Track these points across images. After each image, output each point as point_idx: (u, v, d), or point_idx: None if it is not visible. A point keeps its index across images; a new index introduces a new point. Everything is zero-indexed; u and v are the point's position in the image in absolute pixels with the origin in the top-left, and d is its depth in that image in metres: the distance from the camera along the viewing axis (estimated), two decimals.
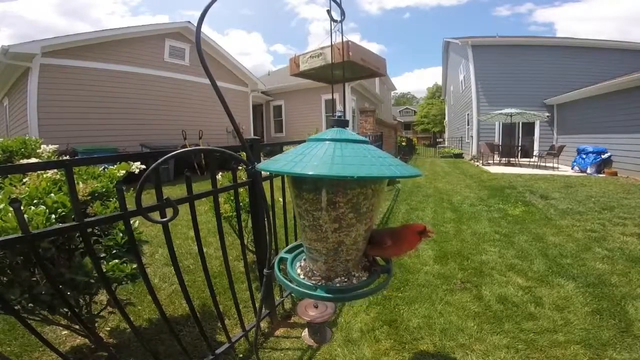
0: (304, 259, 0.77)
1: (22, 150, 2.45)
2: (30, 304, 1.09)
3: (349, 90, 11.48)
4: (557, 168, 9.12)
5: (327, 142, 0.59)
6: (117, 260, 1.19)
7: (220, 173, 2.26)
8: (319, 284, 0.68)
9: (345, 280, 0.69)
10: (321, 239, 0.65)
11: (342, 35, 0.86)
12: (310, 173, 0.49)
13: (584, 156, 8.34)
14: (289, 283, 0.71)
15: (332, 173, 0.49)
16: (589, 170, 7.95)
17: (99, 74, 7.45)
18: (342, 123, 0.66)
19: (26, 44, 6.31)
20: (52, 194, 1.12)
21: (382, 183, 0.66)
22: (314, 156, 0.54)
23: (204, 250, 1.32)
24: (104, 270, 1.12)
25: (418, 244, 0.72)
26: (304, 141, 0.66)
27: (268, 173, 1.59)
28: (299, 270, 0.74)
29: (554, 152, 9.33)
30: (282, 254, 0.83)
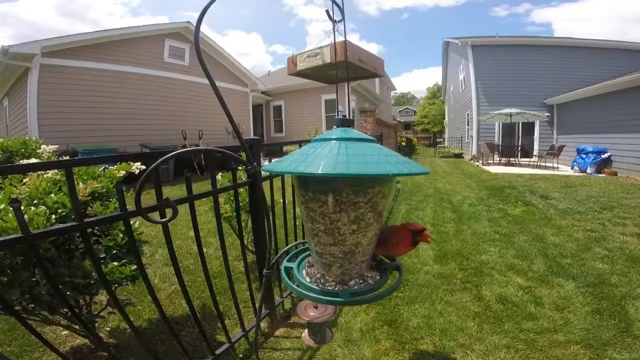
0: (308, 266, 0.75)
1: (22, 150, 2.46)
2: (30, 304, 1.09)
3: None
4: (557, 168, 9.12)
5: (334, 141, 0.58)
6: (116, 263, 1.19)
7: (220, 173, 2.27)
8: (336, 289, 0.66)
9: (361, 282, 0.68)
10: (338, 243, 0.63)
11: (345, 35, 0.86)
12: (346, 172, 0.48)
13: (583, 156, 8.34)
14: (309, 293, 0.67)
15: (368, 171, 0.48)
16: (588, 170, 7.95)
17: (99, 74, 7.45)
18: (347, 122, 0.65)
19: (26, 44, 6.31)
20: (52, 194, 1.12)
21: (394, 181, 0.65)
22: (326, 155, 0.52)
23: (204, 250, 1.32)
24: (104, 271, 1.12)
25: (410, 241, 0.71)
26: (304, 141, 0.65)
27: (268, 173, 1.59)
28: (307, 278, 0.71)
29: (554, 152, 9.33)
30: (285, 263, 0.79)
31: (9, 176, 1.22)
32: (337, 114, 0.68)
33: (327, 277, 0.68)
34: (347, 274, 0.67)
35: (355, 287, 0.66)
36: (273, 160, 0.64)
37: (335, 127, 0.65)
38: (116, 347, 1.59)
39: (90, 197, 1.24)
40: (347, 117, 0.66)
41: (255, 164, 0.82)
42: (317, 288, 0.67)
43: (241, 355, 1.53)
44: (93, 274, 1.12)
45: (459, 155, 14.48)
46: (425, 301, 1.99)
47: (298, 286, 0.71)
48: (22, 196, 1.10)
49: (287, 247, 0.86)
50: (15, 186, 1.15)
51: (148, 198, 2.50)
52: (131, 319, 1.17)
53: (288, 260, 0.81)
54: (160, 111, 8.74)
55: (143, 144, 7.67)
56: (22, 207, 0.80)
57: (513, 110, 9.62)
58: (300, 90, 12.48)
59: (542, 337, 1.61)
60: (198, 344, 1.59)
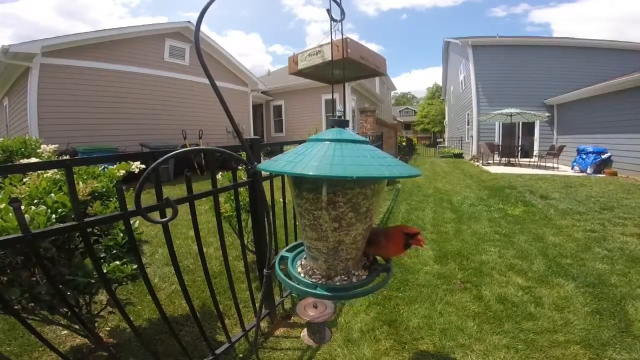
0: (305, 258, 0.78)
1: (22, 150, 2.46)
2: (30, 304, 1.09)
3: (349, 90, 11.48)
4: (557, 168, 9.12)
5: (327, 142, 0.60)
6: (117, 262, 1.19)
7: (220, 173, 2.26)
8: (319, 282, 0.69)
9: (345, 279, 0.70)
10: (321, 238, 0.65)
11: (342, 34, 0.86)
12: (311, 173, 0.50)
13: (584, 156, 8.34)
14: (289, 281, 0.71)
15: (333, 174, 0.49)
16: (589, 170, 7.95)
17: (99, 73, 7.44)
18: (342, 123, 0.66)
19: (26, 44, 6.30)
20: (52, 194, 1.12)
21: (381, 183, 0.67)
22: (314, 156, 0.54)
23: (204, 250, 1.32)
24: (105, 270, 1.12)
25: (403, 244, 0.71)
26: (304, 141, 0.66)
27: (268, 173, 1.59)
28: (299, 269, 0.75)
29: (554, 152, 9.32)
30: (282, 252, 0.83)
31: (9, 176, 1.22)
32: (334, 114, 0.69)
33: (315, 270, 0.72)
34: (332, 270, 0.70)
35: (338, 283, 0.69)
36: (268, 160, 0.65)
37: (330, 127, 0.67)
38: (116, 347, 1.59)
39: (90, 197, 1.24)
40: (343, 117, 0.68)
41: (255, 163, 0.82)
42: (304, 279, 0.70)
43: (241, 355, 1.53)
44: (94, 272, 1.12)
45: (459, 155, 14.47)
46: (425, 301, 1.99)
47: (287, 276, 0.74)
48: (22, 196, 1.10)
49: (288, 246, 0.87)
50: (15, 186, 1.15)
51: (148, 198, 2.49)
52: (131, 318, 1.17)
53: (287, 251, 0.84)
54: (161, 111, 8.73)
55: (143, 143, 7.66)
56: (22, 207, 0.80)
57: (513, 110, 9.62)
58: (300, 90, 12.48)
59: (542, 337, 1.61)
60: (198, 343, 1.59)
